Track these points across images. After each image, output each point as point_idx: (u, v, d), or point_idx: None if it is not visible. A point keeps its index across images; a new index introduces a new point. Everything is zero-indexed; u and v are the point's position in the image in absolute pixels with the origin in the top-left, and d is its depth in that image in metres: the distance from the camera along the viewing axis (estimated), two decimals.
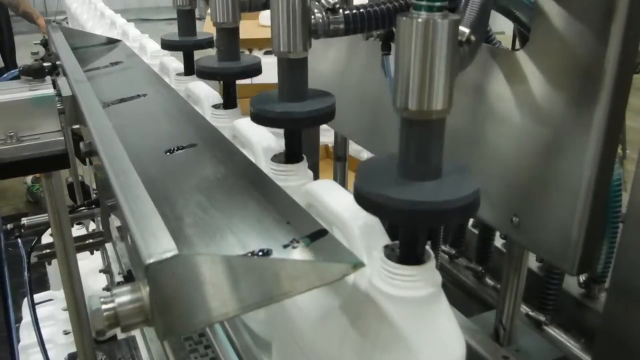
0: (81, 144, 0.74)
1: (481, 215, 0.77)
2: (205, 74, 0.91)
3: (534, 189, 0.69)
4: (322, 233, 0.48)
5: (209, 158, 0.67)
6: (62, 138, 0.78)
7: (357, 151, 2.13)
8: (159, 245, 0.39)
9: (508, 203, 0.72)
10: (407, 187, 0.49)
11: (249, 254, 0.44)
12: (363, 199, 0.49)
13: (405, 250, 0.51)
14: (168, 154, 0.66)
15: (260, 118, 0.70)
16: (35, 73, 0.82)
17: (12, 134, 0.76)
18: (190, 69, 1.14)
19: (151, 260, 0.38)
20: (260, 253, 0.45)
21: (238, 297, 0.41)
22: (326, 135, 1.77)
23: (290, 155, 0.73)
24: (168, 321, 0.39)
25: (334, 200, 0.55)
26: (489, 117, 0.74)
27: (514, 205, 0.72)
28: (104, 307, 0.39)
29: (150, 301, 0.39)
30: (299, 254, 0.45)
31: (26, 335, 1.97)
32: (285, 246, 0.46)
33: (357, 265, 0.45)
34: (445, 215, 0.48)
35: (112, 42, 1.36)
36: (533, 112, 0.67)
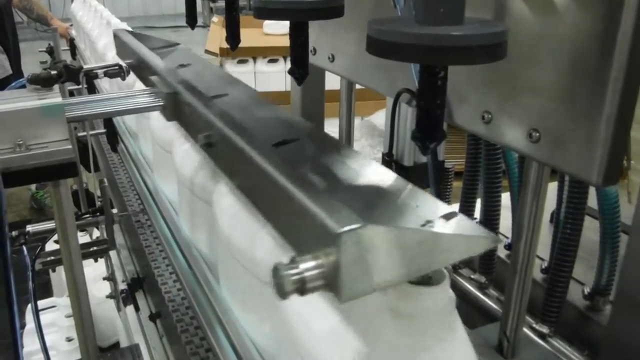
0: (199, 136, 0.75)
1: (496, 136, 0.74)
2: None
3: (556, 98, 0.65)
4: (453, 214, 0.51)
5: (317, 150, 0.69)
6: (70, 147, 0.79)
7: None
8: (346, 218, 0.44)
9: (527, 117, 0.69)
10: (426, 28, 0.47)
11: (422, 226, 0.48)
12: (377, 44, 0.48)
13: (423, 122, 0.51)
14: (275, 147, 0.68)
15: (264, 11, 0.68)
16: (44, 82, 0.83)
17: (20, 142, 0.76)
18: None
19: (343, 230, 0.43)
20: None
21: (404, 265, 0.46)
22: None
23: (295, 60, 0.71)
24: (349, 286, 0.44)
25: None
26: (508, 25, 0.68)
27: (533, 119, 0.68)
28: (291, 272, 0.43)
29: (335, 267, 0.43)
30: (453, 228, 0.49)
31: (29, 342, 1.97)
32: (424, 225, 0.49)
33: (496, 240, 0.49)
34: (470, 52, 0.46)
35: (172, 45, 1.38)
36: (553, 17, 0.64)
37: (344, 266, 0.43)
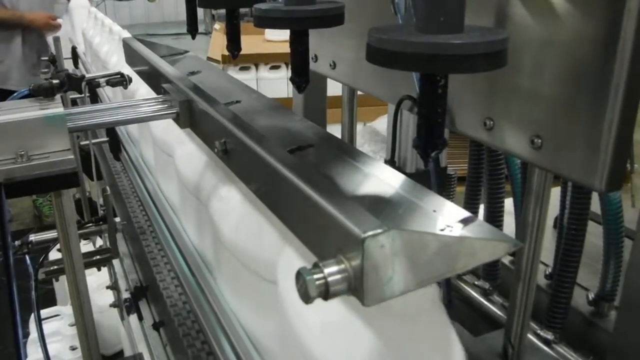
0: (217, 143, 0.75)
1: (498, 143, 0.74)
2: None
3: (558, 104, 0.65)
4: (471, 219, 0.51)
5: (333, 156, 0.70)
6: (72, 157, 0.78)
7: None
8: (369, 223, 0.45)
9: (529, 124, 0.69)
10: (426, 36, 0.47)
11: (442, 230, 0.49)
12: (377, 53, 0.48)
13: (424, 133, 0.50)
14: (290, 153, 0.68)
15: (264, 20, 0.68)
16: (46, 92, 0.83)
17: (22, 152, 0.76)
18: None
19: (367, 234, 0.43)
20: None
21: (426, 269, 0.46)
22: None
23: (296, 68, 0.72)
24: (373, 290, 0.44)
25: None
26: (510, 30, 0.69)
27: (535, 125, 0.68)
28: (315, 276, 0.44)
29: (358, 271, 0.44)
30: (473, 232, 0.49)
31: (33, 351, 1.97)
32: (443, 229, 0.49)
33: (517, 244, 0.50)
34: (470, 61, 0.46)
35: (181, 52, 1.39)
36: (554, 23, 0.64)
37: (368, 271, 0.43)
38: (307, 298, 0.44)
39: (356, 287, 0.44)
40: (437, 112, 0.51)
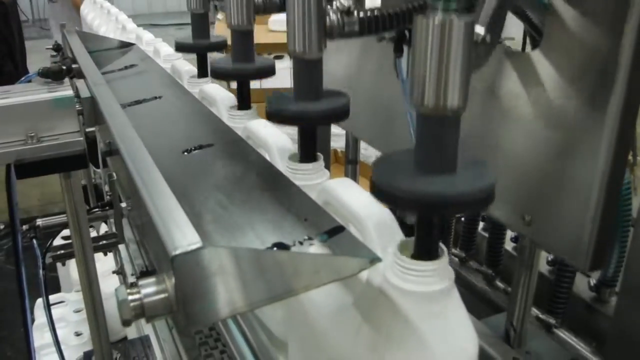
0: (101, 144, 0.75)
1: (493, 214, 0.79)
2: (220, 75, 0.91)
3: (546, 187, 0.70)
4: (339, 229, 0.49)
5: (227, 158, 0.68)
6: (81, 138, 0.79)
7: (367, 157, 2.16)
8: (184, 238, 0.40)
9: (520, 202, 0.74)
10: (423, 180, 0.49)
11: (270, 248, 0.45)
12: (380, 192, 0.49)
13: (421, 245, 0.51)
14: (185, 153, 0.67)
15: (276, 116, 0.70)
16: (54, 75, 0.84)
17: (32, 134, 0.77)
18: (203, 71, 1.15)
19: (177, 252, 0.39)
20: (276, 248, 0.46)
21: (258, 290, 0.42)
22: (336, 140, 1.78)
23: (304, 154, 0.73)
24: (191, 312, 0.40)
25: (350, 197, 0.56)
26: (502, 117, 0.75)
27: (526, 204, 0.73)
28: (130, 297, 0.40)
29: (175, 292, 0.39)
30: (316, 248, 0.46)
31: (39, 337, 1.98)
32: (301, 242, 0.47)
33: (374, 260, 0.45)
34: (461, 206, 0.49)
35: (126, 45, 1.38)
36: (546, 112, 0.68)
37: (184, 291, 0.39)
38: (123, 320, 0.40)
39: (176, 309, 0.40)
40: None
